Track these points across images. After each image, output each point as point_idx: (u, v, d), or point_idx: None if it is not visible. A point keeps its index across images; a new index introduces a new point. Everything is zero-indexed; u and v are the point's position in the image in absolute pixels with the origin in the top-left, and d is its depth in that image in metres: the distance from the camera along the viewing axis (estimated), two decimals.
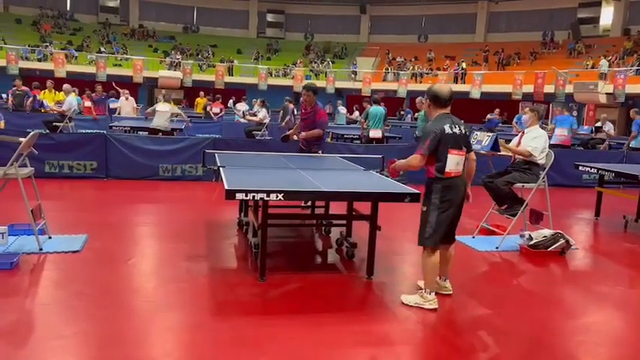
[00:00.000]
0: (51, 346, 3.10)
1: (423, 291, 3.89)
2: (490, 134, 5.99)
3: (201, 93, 18.60)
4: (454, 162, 3.73)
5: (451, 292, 4.15)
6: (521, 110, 13.83)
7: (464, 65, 28.25)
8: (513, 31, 32.82)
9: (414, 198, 4.06)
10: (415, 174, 4.66)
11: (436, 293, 3.97)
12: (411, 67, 30.09)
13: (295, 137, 6.93)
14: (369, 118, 11.24)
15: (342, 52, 34.96)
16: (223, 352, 3.11)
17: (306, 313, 3.72)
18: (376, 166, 5.85)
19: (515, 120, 15.22)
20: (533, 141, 5.73)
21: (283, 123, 12.84)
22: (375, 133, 11.12)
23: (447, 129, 3.72)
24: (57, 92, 14.04)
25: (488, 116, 16.72)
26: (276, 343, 3.22)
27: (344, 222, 5.45)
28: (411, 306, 3.86)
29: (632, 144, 11.32)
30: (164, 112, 10.96)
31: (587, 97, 21.95)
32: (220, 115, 17.26)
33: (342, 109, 19.55)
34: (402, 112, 24.00)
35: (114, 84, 18.19)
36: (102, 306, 3.67)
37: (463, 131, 3.80)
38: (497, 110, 16.53)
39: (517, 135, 6.43)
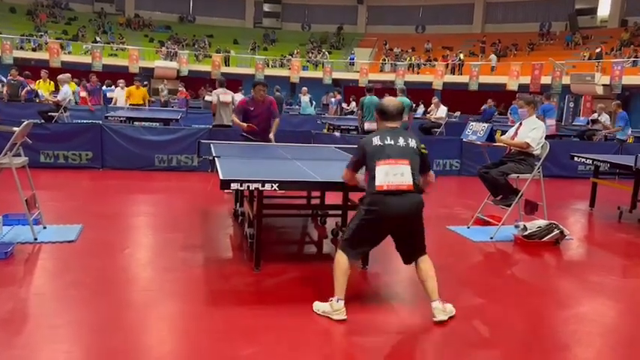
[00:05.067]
0: (46, 335, 3.11)
1: (333, 299, 3.52)
2: (485, 125, 5.98)
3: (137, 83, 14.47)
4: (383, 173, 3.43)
5: (443, 319, 3.50)
6: (515, 101, 13.77)
7: (461, 56, 28.21)
8: (510, 22, 32.73)
9: None
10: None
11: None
12: (408, 58, 30.02)
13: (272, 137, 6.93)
14: (364, 109, 10.33)
15: (340, 43, 34.81)
16: (218, 341, 3.12)
17: (300, 302, 3.73)
18: None
19: (510, 111, 15.14)
20: (532, 132, 5.70)
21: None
22: (371, 125, 10.02)
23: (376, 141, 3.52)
24: (52, 82, 13.96)
25: (484, 107, 16.67)
26: (270, 333, 3.23)
27: (339, 212, 5.45)
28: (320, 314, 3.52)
29: (619, 135, 11.40)
30: None
31: (584, 89, 21.99)
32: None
33: (305, 98, 17.72)
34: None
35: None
36: (97, 295, 3.68)
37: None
38: (489, 100, 16.51)
39: (513, 126, 6.42)
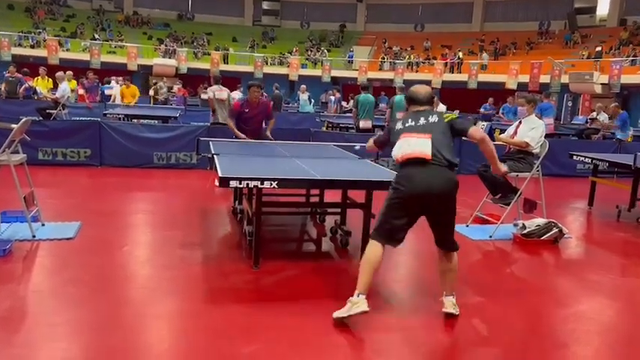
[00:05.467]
0: (44, 332, 3.10)
1: (352, 298, 3.33)
2: (485, 123, 5.98)
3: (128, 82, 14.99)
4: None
5: (453, 313, 3.53)
6: (511, 102, 13.66)
7: (460, 55, 28.21)
8: (509, 20, 32.73)
9: None
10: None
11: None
12: (407, 57, 30.00)
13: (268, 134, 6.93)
14: (359, 106, 10.36)
15: (339, 41, 34.76)
16: (217, 339, 3.12)
17: (299, 300, 3.73)
18: (370, 155, 5.83)
19: (501, 110, 15.00)
20: (532, 131, 5.71)
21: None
22: (365, 123, 10.31)
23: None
24: (50, 79, 13.95)
25: (482, 110, 16.59)
26: (270, 331, 3.23)
27: (338, 210, 5.45)
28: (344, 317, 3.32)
29: (619, 135, 11.40)
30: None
31: (583, 88, 21.99)
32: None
33: (304, 96, 17.86)
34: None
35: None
36: (95, 293, 3.67)
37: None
38: (490, 99, 16.42)
39: (510, 125, 6.42)
